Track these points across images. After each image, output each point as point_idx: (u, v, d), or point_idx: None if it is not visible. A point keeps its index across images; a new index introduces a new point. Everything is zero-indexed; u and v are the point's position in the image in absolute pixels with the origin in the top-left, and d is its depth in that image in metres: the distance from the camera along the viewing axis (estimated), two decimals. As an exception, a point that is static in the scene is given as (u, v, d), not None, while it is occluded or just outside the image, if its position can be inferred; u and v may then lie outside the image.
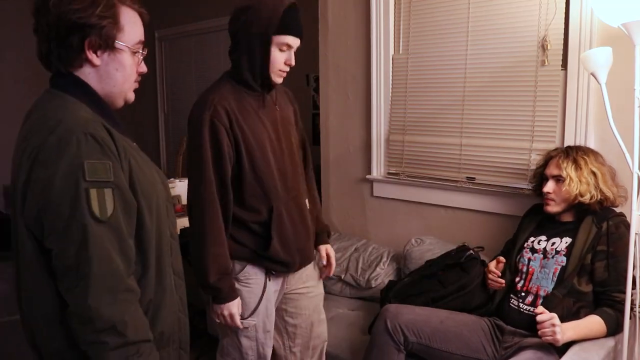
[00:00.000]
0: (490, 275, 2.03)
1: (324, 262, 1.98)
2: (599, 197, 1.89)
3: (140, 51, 1.17)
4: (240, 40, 1.63)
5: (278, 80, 1.68)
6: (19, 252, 1.09)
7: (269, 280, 1.77)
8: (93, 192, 1.00)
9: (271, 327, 1.81)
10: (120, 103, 1.19)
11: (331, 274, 2.04)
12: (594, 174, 1.90)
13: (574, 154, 1.94)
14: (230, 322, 1.69)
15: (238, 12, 1.63)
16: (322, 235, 1.98)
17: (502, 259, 2.02)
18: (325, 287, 2.69)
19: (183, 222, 2.81)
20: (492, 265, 2.03)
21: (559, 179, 1.95)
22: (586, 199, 1.88)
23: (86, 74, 1.12)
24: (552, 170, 1.98)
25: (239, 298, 1.70)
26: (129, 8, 1.13)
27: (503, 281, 1.99)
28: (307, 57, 3.39)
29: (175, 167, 3.42)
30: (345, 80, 2.88)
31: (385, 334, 1.94)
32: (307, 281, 1.91)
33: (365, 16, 2.73)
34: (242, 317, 1.74)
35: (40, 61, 1.14)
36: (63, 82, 1.12)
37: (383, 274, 2.56)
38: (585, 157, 1.93)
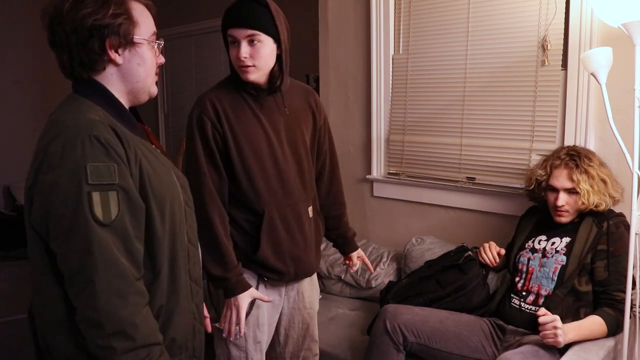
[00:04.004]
0: (486, 253, 2.10)
1: (355, 268, 2.03)
2: (611, 202, 1.89)
3: (157, 42, 1.18)
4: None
5: (244, 77, 1.61)
6: (30, 256, 1.09)
7: (264, 287, 1.72)
8: (96, 196, 1.00)
9: (262, 339, 1.75)
10: (144, 98, 1.20)
11: (373, 272, 2.22)
12: (604, 181, 1.89)
13: (583, 163, 1.89)
14: (236, 317, 1.63)
15: None
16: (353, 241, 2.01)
17: (502, 250, 2.09)
18: (325, 287, 2.71)
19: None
20: (494, 247, 2.10)
21: (571, 192, 1.90)
22: (601, 208, 1.88)
23: (109, 75, 1.13)
24: (563, 182, 1.91)
25: (249, 291, 1.64)
26: (137, 2, 1.15)
27: (495, 260, 2.09)
28: (307, 57, 3.39)
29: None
30: (345, 80, 2.88)
31: (384, 335, 1.94)
32: (304, 298, 1.85)
33: (365, 16, 2.73)
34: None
35: (62, 72, 1.15)
36: (82, 87, 1.13)
37: (383, 274, 2.56)
38: (592, 164, 1.89)
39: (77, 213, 0.99)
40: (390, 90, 2.70)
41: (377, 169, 2.80)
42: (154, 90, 1.21)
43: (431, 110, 2.57)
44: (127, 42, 1.11)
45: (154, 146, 1.21)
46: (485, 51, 2.36)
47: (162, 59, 1.21)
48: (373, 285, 2.55)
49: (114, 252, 1.01)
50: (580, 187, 1.87)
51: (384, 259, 2.60)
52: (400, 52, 2.66)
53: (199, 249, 1.27)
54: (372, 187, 2.84)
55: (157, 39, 1.19)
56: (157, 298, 1.11)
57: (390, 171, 2.76)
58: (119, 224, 1.02)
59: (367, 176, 2.82)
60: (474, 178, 2.46)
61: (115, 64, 1.12)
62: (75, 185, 0.99)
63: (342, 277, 2.66)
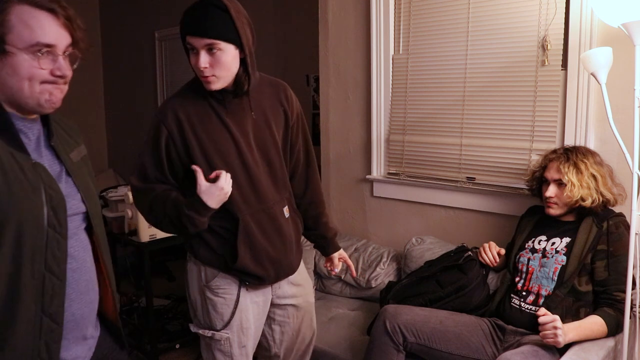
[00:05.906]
0: (486, 253, 2.11)
1: (337, 270, 1.98)
2: (601, 200, 1.89)
3: (43, 51, 1.02)
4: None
5: (207, 87, 1.53)
6: None
7: (246, 290, 1.69)
8: None
9: (247, 342, 1.72)
10: (35, 109, 1.07)
11: (355, 275, 2.15)
12: (594, 177, 1.90)
13: (574, 157, 1.93)
14: (225, 187, 1.53)
15: None
16: (334, 241, 1.94)
17: (502, 250, 2.11)
18: (325, 287, 2.71)
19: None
20: (494, 247, 2.11)
21: (560, 183, 1.94)
22: (587, 203, 1.89)
23: None
24: (552, 174, 1.97)
25: (199, 177, 1.54)
26: (30, 6, 1.01)
27: (496, 260, 2.10)
28: (307, 57, 3.40)
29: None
30: (345, 80, 2.88)
31: (384, 335, 1.94)
32: (295, 293, 1.82)
33: (365, 16, 2.73)
34: (215, 329, 1.69)
35: None
36: None
37: (383, 274, 2.56)
38: (585, 160, 1.92)
39: None
40: (390, 90, 2.70)
41: (377, 169, 2.80)
42: (50, 100, 1.05)
43: (431, 110, 2.57)
44: None
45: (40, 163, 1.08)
46: (485, 51, 2.36)
47: (61, 71, 1.05)
48: (373, 286, 2.55)
49: None
50: (566, 178, 1.90)
51: (384, 259, 2.60)
52: (400, 52, 2.66)
53: (66, 283, 1.11)
54: (372, 187, 2.84)
55: (68, 49, 1.05)
56: None
57: (390, 171, 2.76)
58: None
59: (367, 176, 2.82)
60: (474, 178, 2.46)
61: None
62: None
63: (342, 277, 2.66)
